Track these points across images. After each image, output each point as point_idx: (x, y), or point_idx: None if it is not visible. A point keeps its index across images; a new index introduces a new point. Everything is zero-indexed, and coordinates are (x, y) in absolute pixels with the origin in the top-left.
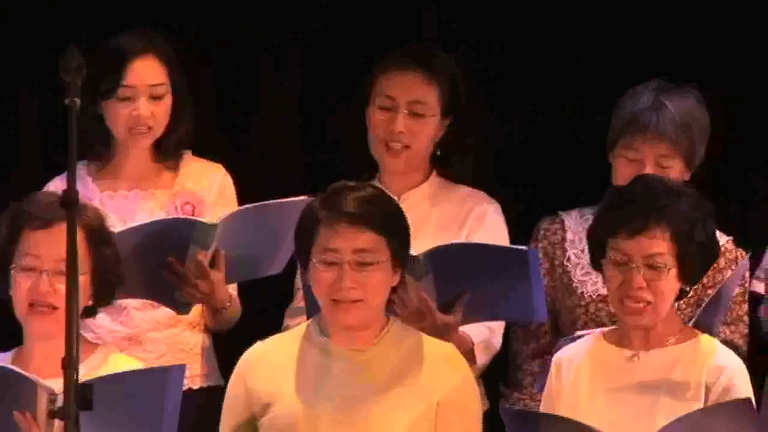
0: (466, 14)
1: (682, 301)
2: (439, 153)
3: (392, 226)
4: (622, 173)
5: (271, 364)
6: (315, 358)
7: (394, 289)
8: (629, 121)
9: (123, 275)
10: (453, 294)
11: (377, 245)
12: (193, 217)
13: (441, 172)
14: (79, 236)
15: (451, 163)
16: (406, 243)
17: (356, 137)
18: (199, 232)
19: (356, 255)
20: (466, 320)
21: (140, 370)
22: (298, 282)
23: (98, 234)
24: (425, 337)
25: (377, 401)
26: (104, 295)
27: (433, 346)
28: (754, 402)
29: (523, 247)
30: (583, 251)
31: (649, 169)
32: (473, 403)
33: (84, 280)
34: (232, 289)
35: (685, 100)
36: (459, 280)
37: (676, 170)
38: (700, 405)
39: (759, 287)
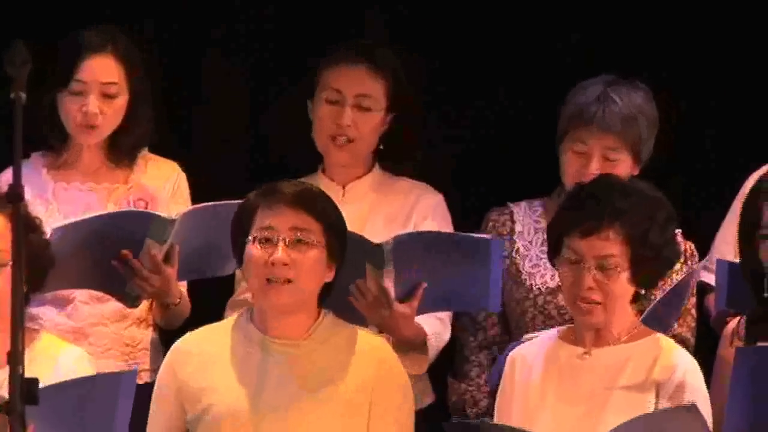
0: (410, 11)
1: None
2: (381, 147)
3: (330, 219)
4: (570, 166)
5: (202, 356)
6: (248, 351)
7: (327, 287)
8: (576, 114)
9: (53, 258)
10: (411, 284)
11: (313, 227)
12: (152, 211)
13: (383, 165)
14: (8, 226)
15: (395, 158)
16: (342, 242)
17: (300, 130)
18: (157, 226)
19: (292, 232)
20: (422, 310)
21: (92, 377)
22: (239, 274)
23: (26, 221)
24: (357, 330)
25: (311, 397)
26: (38, 281)
27: (366, 341)
28: (703, 406)
29: (487, 236)
30: (531, 243)
31: (596, 162)
32: (406, 398)
33: None
34: (182, 286)
35: (632, 94)
36: (419, 270)
37: (624, 164)
38: (651, 403)
39: (708, 278)
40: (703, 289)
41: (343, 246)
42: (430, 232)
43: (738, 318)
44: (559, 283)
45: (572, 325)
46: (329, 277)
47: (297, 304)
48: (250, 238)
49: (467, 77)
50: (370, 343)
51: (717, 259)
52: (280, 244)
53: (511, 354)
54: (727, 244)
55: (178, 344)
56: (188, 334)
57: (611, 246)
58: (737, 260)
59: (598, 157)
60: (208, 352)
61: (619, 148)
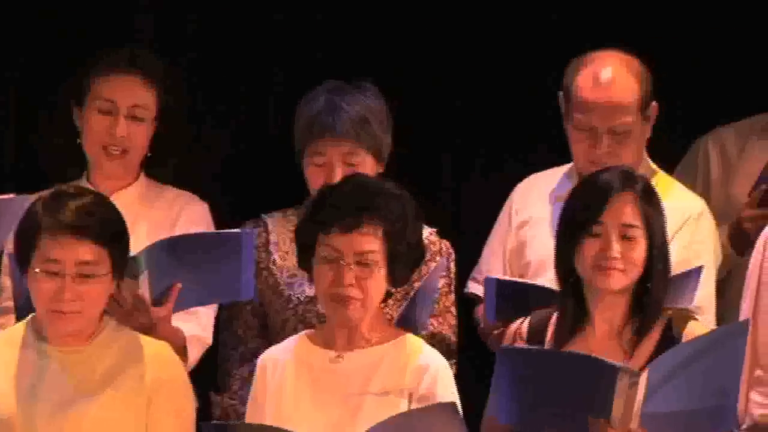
0: (179, 20)
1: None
2: (149, 155)
3: (113, 235)
4: (314, 179)
5: None
6: (29, 359)
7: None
8: (307, 127)
9: None
10: (167, 285)
11: (99, 257)
12: None
13: (148, 174)
14: None
15: (159, 164)
16: (125, 250)
17: (64, 136)
18: None
19: (78, 267)
20: (180, 307)
21: None
22: (3, 281)
23: None
24: (140, 336)
25: (90, 401)
26: None
27: (147, 345)
28: (458, 402)
29: (237, 230)
30: (287, 253)
31: (339, 170)
32: (186, 401)
33: None
34: None
35: (359, 96)
36: (174, 273)
37: (367, 166)
38: (405, 404)
39: (476, 288)
40: (472, 300)
41: (126, 252)
42: (179, 236)
43: (522, 320)
44: None
45: (320, 328)
46: (113, 288)
47: (83, 328)
48: (35, 268)
49: (228, 87)
50: (152, 348)
51: (486, 278)
52: (67, 279)
53: (260, 359)
54: (494, 255)
55: None
56: None
57: (371, 242)
58: (502, 274)
59: (339, 165)
60: None
61: (358, 152)
